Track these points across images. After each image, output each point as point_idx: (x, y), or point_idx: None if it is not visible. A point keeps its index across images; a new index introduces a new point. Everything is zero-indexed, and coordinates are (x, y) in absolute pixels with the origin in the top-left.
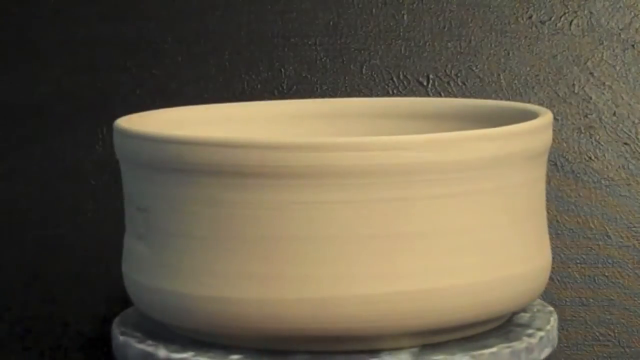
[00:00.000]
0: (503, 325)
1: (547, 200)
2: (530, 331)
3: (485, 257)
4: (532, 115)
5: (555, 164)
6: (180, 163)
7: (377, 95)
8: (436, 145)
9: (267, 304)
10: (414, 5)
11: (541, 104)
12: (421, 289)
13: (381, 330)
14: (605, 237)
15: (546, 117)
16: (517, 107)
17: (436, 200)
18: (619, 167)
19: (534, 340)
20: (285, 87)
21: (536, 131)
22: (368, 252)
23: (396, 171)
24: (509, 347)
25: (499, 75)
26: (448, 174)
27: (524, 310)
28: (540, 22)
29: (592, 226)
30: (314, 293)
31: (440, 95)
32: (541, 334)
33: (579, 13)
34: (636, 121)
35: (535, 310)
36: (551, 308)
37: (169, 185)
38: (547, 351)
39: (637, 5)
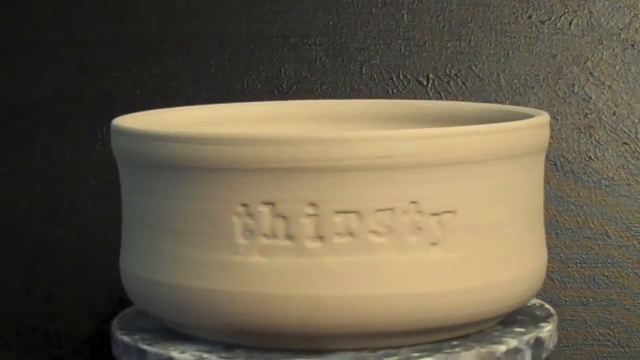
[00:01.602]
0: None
1: (547, 200)
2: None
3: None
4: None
5: (555, 164)
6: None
7: (377, 95)
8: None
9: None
10: (414, 5)
11: (541, 104)
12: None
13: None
14: (605, 237)
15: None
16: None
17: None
18: (619, 167)
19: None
20: (285, 87)
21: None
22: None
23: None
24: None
25: (499, 75)
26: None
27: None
28: (540, 22)
29: (592, 226)
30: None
31: (440, 95)
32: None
33: (579, 13)
34: (636, 121)
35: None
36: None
37: (480, 179)
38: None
39: (637, 5)
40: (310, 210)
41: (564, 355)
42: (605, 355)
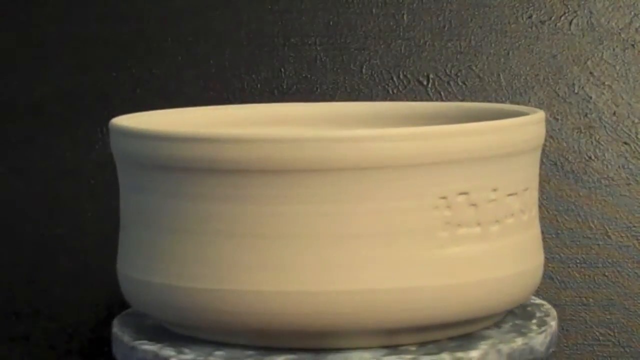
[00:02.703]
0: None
1: (547, 200)
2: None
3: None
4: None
5: (555, 164)
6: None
7: (377, 95)
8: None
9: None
10: (414, 5)
11: (541, 104)
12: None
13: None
14: (605, 237)
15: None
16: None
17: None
18: (619, 167)
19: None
20: (285, 87)
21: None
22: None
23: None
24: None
25: (499, 75)
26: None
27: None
28: (540, 21)
29: (592, 226)
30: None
31: (440, 95)
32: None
33: (578, 13)
34: (636, 121)
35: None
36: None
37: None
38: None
39: (637, 5)
40: (492, 196)
41: (564, 355)
42: (605, 355)
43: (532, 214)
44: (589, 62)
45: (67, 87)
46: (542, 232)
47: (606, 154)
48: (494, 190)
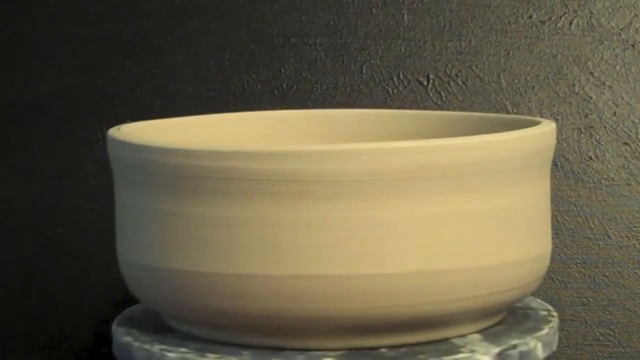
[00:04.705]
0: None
1: None
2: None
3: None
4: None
5: (555, 164)
6: None
7: (377, 95)
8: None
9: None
10: (414, 5)
11: (541, 104)
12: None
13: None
14: (605, 237)
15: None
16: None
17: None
18: (619, 167)
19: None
20: (285, 87)
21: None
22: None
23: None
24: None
25: (499, 75)
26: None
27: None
28: (541, 21)
29: (592, 226)
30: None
31: (440, 95)
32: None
33: (579, 13)
34: (636, 121)
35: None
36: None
37: None
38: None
39: (637, 5)
40: None
41: (564, 355)
42: (605, 355)
43: None
44: (589, 63)
45: (67, 87)
46: None
47: (606, 154)
48: None
